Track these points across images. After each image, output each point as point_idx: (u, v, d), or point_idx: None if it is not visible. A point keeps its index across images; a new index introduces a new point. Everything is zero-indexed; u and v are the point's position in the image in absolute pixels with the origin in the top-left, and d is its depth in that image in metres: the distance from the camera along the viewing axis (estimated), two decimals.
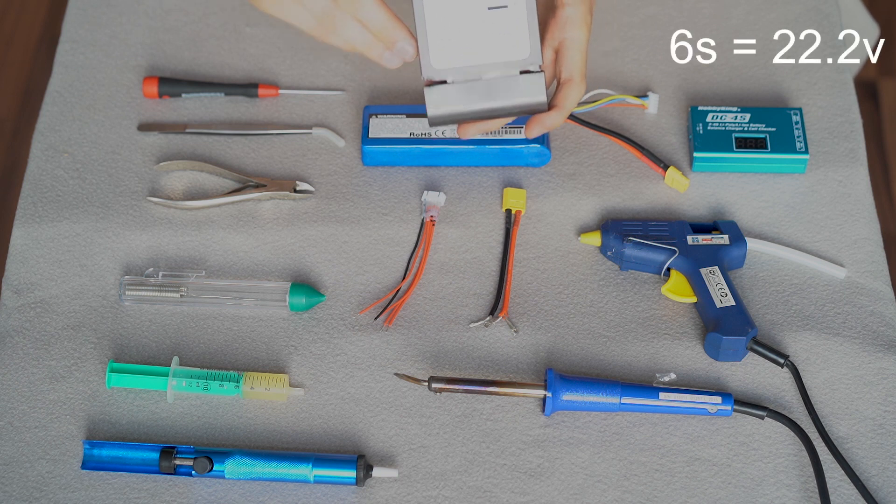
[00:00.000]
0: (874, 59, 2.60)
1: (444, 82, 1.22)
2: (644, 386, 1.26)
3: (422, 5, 1.20)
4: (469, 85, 1.22)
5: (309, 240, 1.37)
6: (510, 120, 1.27)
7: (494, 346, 1.31)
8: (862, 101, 1.56)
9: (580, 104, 1.43)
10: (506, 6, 1.20)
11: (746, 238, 1.35)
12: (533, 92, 1.23)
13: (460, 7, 1.20)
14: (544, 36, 1.27)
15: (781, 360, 1.28)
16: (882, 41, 2.55)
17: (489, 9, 1.20)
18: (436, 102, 1.22)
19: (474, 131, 1.28)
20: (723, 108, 1.43)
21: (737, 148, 1.40)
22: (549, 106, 1.25)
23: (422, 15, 1.20)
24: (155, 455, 1.22)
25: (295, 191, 1.40)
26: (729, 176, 1.42)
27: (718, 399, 1.25)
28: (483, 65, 1.22)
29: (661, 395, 1.25)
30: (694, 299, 1.32)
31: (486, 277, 1.35)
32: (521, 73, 1.22)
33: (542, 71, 1.22)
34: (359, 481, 1.21)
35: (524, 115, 1.24)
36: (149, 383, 1.26)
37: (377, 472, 1.22)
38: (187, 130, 1.45)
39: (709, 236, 1.35)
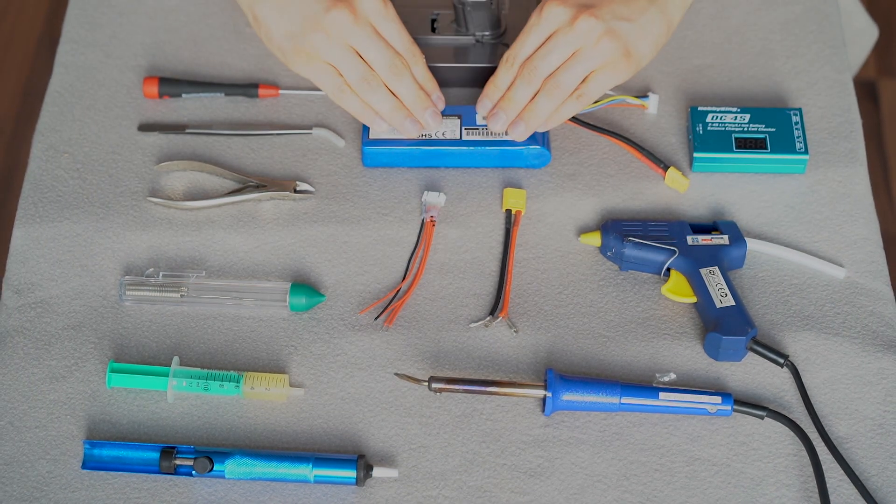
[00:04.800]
0: (874, 60, 2.60)
1: None
2: (644, 386, 1.26)
3: None
4: None
5: (309, 240, 1.37)
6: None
7: (494, 346, 1.30)
8: (861, 101, 1.55)
9: None
10: None
11: (746, 238, 1.35)
12: None
13: None
14: None
15: (781, 360, 1.28)
16: (882, 41, 2.55)
17: None
18: None
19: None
20: (723, 109, 1.43)
21: (737, 148, 1.40)
22: None
23: None
24: (155, 455, 1.22)
25: (295, 191, 1.39)
26: (729, 176, 1.42)
27: (718, 399, 1.25)
28: None
29: (661, 395, 1.25)
30: (694, 299, 1.31)
31: (486, 278, 1.35)
32: None
33: None
34: (359, 481, 1.21)
35: None
36: (149, 383, 1.26)
37: (377, 472, 1.22)
38: (187, 131, 1.45)
39: (709, 236, 1.35)
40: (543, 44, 1.36)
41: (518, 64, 1.37)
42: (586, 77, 1.36)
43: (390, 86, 1.38)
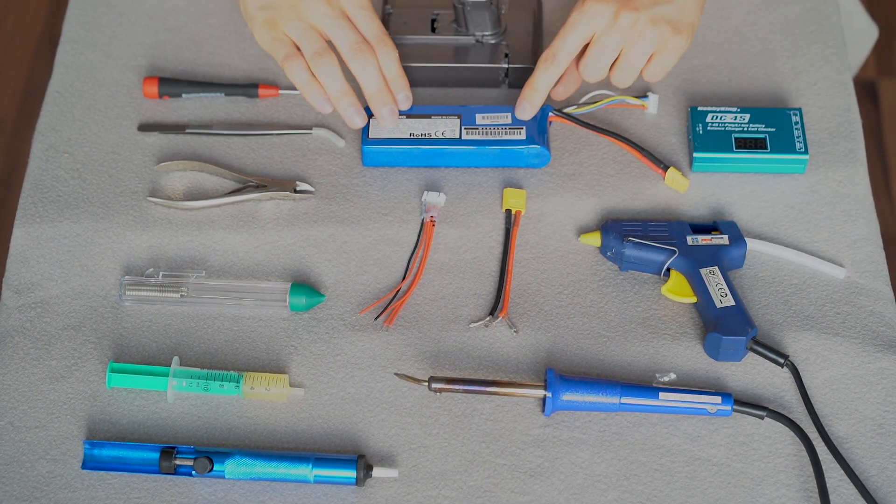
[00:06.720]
0: (874, 60, 2.60)
1: None
2: (644, 386, 1.26)
3: None
4: None
5: (309, 240, 1.38)
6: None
7: (494, 346, 1.31)
8: (861, 101, 1.56)
9: (580, 105, 1.44)
10: None
11: (746, 238, 1.35)
12: None
13: None
14: None
15: (781, 360, 1.28)
16: (882, 41, 2.55)
17: None
18: None
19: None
20: (722, 109, 1.43)
21: (736, 148, 1.41)
22: None
23: None
24: (155, 455, 1.22)
25: (295, 191, 1.40)
26: (729, 176, 1.42)
27: (718, 399, 1.25)
28: None
29: (661, 395, 1.25)
30: (694, 299, 1.32)
31: (486, 277, 1.35)
32: None
33: None
34: (359, 481, 1.21)
35: None
36: (149, 383, 1.27)
37: (377, 472, 1.22)
38: (187, 131, 1.45)
39: (708, 236, 1.35)
40: (590, 48, 1.37)
41: (560, 61, 1.38)
42: (648, 61, 1.39)
43: (351, 66, 1.39)
